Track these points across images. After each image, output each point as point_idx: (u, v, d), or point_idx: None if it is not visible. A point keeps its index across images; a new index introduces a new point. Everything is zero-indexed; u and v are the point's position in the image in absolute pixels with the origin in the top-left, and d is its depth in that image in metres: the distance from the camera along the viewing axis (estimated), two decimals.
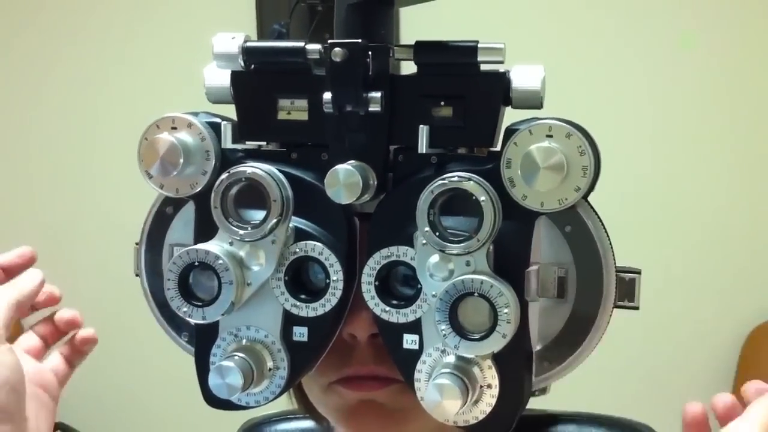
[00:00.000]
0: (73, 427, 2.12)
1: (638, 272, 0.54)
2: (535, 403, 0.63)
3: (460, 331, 0.51)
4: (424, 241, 0.51)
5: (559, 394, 0.62)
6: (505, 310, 0.50)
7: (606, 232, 0.52)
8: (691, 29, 1.73)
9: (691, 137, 1.80)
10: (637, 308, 0.53)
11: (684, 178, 1.81)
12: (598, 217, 0.52)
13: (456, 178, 0.51)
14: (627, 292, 0.53)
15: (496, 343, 0.50)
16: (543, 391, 0.63)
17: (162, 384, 1.92)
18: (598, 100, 1.74)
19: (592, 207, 0.52)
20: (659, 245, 1.79)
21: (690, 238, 1.83)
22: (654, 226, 1.81)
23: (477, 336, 0.50)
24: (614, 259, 0.52)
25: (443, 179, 0.51)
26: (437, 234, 0.51)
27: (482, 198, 0.50)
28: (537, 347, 0.54)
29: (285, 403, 0.74)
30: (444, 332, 0.51)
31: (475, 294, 0.50)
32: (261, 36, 1.85)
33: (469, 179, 0.50)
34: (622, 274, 0.53)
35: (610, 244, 0.52)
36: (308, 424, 0.81)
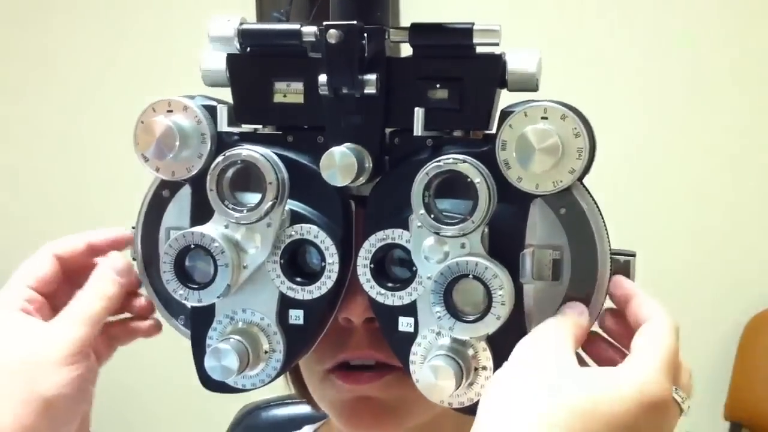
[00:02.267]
0: None
1: (633, 255, 0.54)
2: None
3: (454, 313, 0.51)
4: (419, 224, 0.52)
5: None
6: (500, 292, 0.50)
7: (601, 214, 0.52)
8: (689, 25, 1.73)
9: (696, 122, 1.79)
10: None
11: (683, 164, 1.81)
12: (593, 200, 0.52)
13: (451, 160, 0.51)
14: (622, 273, 0.53)
15: (491, 324, 0.50)
16: None
17: (158, 369, 1.92)
18: (595, 85, 1.74)
19: (587, 189, 0.52)
20: (657, 233, 1.80)
21: (688, 226, 1.83)
22: (652, 214, 1.81)
23: (471, 318, 0.51)
24: (609, 242, 0.52)
25: (438, 161, 0.51)
26: (432, 216, 0.51)
27: (477, 180, 0.50)
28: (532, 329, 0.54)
29: (282, 388, 0.74)
30: (439, 314, 0.51)
31: (470, 276, 0.50)
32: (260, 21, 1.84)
33: (464, 161, 0.50)
34: (616, 257, 0.53)
35: (605, 226, 0.52)
36: (305, 409, 0.81)
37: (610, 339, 0.53)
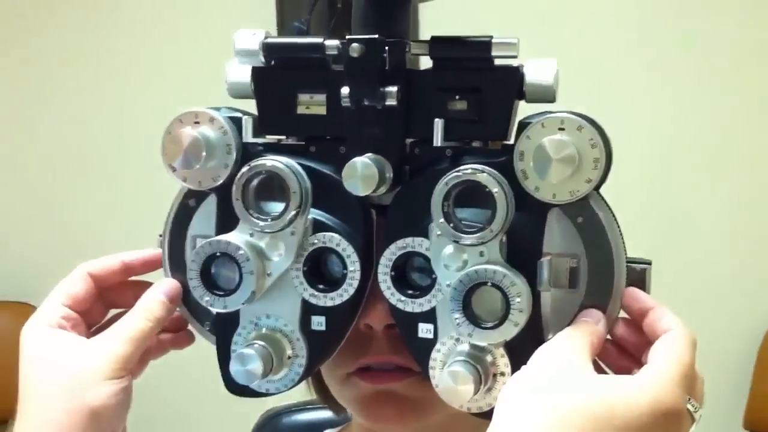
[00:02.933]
0: None
1: (649, 263, 0.55)
2: None
3: (473, 319, 0.52)
4: (439, 232, 0.53)
5: None
6: (518, 300, 0.51)
7: (617, 223, 0.53)
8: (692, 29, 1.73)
9: (718, 126, 1.79)
10: None
11: (701, 174, 1.81)
12: (610, 209, 0.53)
13: (470, 171, 0.52)
14: (637, 282, 0.54)
15: (509, 331, 0.51)
16: None
17: (182, 375, 1.94)
18: (611, 95, 1.74)
19: (603, 199, 0.54)
20: (676, 240, 1.79)
21: (707, 233, 1.82)
22: (671, 221, 1.81)
23: (490, 325, 0.52)
24: (625, 250, 0.53)
25: (457, 171, 0.52)
26: (451, 225, 0.52)
27: (495, 189, 0.51)
28: (549, 336, 0.55)
29: (304, 393, 0.76)
30: (458, 321, 0.52)
31: (489, 284, 0.51)
32: (281, 33, 1.87)
33: (483, 171, 0.52)
34: (632, 265, 0.54)
35: (621, 235, 0.53)
36: (326, 414, 0.82)
37: (623, 348, 0.54)
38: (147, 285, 0.59)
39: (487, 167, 0.52)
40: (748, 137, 1.80)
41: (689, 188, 1.82)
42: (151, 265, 0.61)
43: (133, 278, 0.61)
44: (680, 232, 1.82)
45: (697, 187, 1.82)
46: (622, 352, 0.54)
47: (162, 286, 0.58)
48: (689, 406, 0.48)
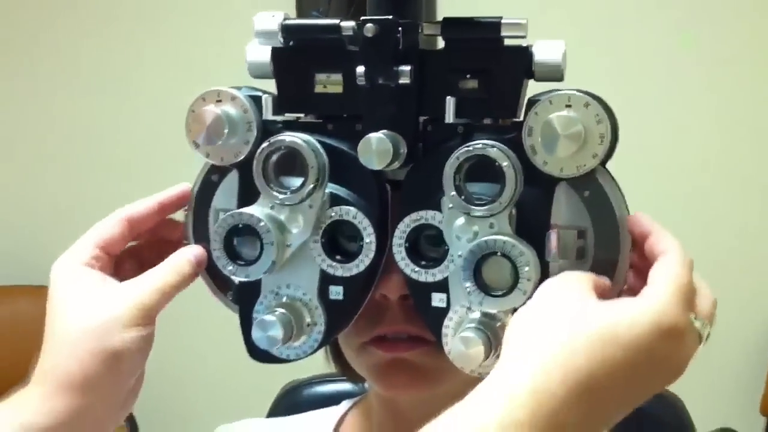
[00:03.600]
0: None
1: None
2: None
3: (483, 288, 0.54)
4: (451, 205, 0.55)
5: None
6: (526, 268, 0.53)
7: (623, 196, 0.55)
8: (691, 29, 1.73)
9: (735, 117, 1.79)
10: None
11: (713, 169, 1.81)
12: (616, 183, 0.55)
13: (480, 146, 0.54)
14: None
15: (517, 299, 0.53)
16: None
17: (207, 350, 1.99)
18: (621, 87, 1.74)
19: (609, 173, 0.55)
20: (692, 228, 1.79)
21: (722, 220, 1.83)
22: (686, 209, 1.82)
23: (499, 293, 0.54)
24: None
25: (468, 146, 0.54)
26: (463, 198, 0.54)
27: (504, 163, 0.53)
28: None
29: (323, 366, 0.78)
30: (469, 289, 0.54)
31: (498, 253, 0.53)
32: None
33: (493, 146, 0.54)
34: None
35: (627, 208, 0.55)
36: (345, 386, 0.85)
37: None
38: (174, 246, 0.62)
39: (497, 143, 0.54)
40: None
41: (703, 175, 1.82)
42: (183, 200, 0.62)
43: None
44: (695, 222, 1.82)
45: (716, 175, 1.82)
46: (634, 272, 0.56)
47: (191, 248, 0.61)
48: (696, 323, 0.49)
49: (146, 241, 0.64)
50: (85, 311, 0.56)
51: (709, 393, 1.76)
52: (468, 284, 0.54)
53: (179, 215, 0.63)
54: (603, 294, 0.52)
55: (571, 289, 0.50)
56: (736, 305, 1.82)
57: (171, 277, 0.58)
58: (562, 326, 0.47)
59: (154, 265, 0.59)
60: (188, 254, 0.60)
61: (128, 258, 0.62)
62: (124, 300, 0.56)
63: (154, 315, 0.57)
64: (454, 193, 0.55)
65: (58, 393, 0.54)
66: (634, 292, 0.51)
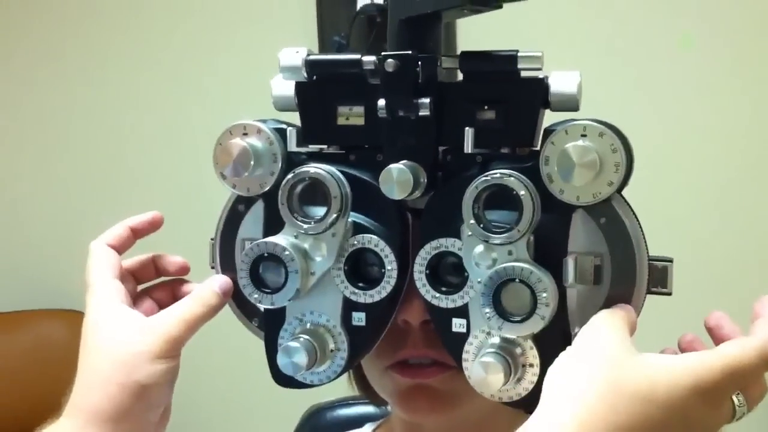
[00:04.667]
0: None
1: (670, 261, 0.57)
2: None
3: (502, 313, 0.55)
4: (470, 233, 0.56)
5: None
6: (544, 295, 0.54)
7: (639, 223, 0.57)
8: (690, 30, 1.73)
9: (748, 123, 1.79)
10: (669, 294, 0.57)
11: (722, 172, 1.80)
12: (632, 210, 0.57)
13: (498, 175, 0.56)
14: (660, 279, 0.57)
15: (536, 324, 0.55)
16: None
17: (233, 374, 2.00)
18: (630, 98, 1.75)
19: (625, 200, 0.57)
20: (707, 236, 1.79)
21: (740, 227, 1.81)
22: (702, 216, 1.80)
23: (518, 318, 0.55)
24: (647, 249, 0.57)
25: (486, 176, 0.56)
26: (481, 226, 0.56)
27: (522, 192, 0.55)
28: (575, 330, 0.58)
29: (346, 389, 0.80)
30: (488, 315, 0.56)
31: (517, 280, 0.55)
32: (322, 47, 1.91)
33: (510, 175, 0.55)
34: (654, 263, 0.57)
35: (643, 234, 0.56)
36: (368, 409, 0.86)
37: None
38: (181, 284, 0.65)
39: (514, 172, 0.56)
40: None
41: (716, 184, 1.81)
42: (154, 225, 0.66)
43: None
44: (712, 227, 1.80)
45: (726, 183, 1.81)
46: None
47: (216, 279, 0.63)
48: (735, 398, 0.50)
49: (157, 284, 0.67)
50: (115, 344, 0.58)
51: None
52: (487, 310, 0.56)
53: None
54: (633, 330, 0.53)
55: (613, 339, 0.51)
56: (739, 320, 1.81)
57: (197, 309, 0.60)
58: (604, 381, 0.47)
59: (169, 305, 0.61)
60: (214, 285, 0.62)
61: (144, 298, 0.65)
62: (152, 333, 0.58)
63: (180, 346, 0.59)
64: (473, 221, 0.56)
65: (89, 425, 0.56)
66: None
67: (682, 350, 0.56)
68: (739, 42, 1.75)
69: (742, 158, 1.79)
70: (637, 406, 0.47)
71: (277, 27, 1.96)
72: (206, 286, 0.62)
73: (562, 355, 0.51)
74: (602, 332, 0.52)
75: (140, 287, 0.67)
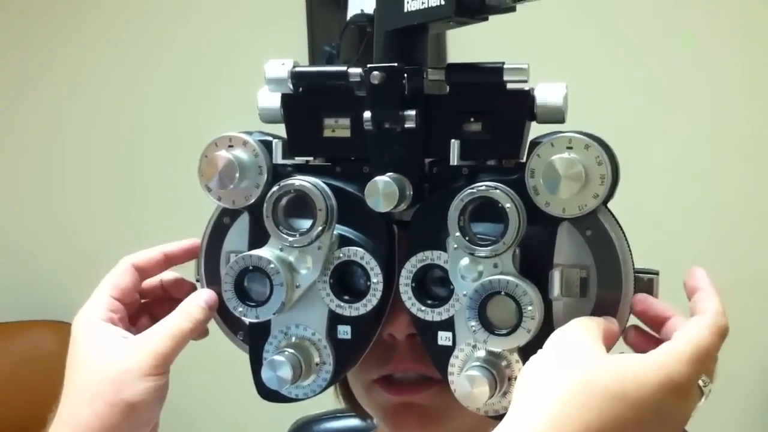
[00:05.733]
0: None
1: (656, 273, 0.57)
2: None
3: (488, 326, 0.55)
4: (456, 246, 0.56)
5: None
6: (529, 308, 0.54)
7: (624, 235, 0.57)
8: (691, 29, 1.74)
9: (727, 139, 1.79)
10: None
11: (719, 181, 1.81)
12: (617, 222, 0.57)
13: (484, 187, 0.55)
14: (646, 291, 0.57)
15: (521, 337, 0.54)
16: None
17: (217, 387, 1.99)
18: (614, 108, 1.75)
19: (611, 212, 0.57)
20: (707, 240, 1.79)
21: (741, 232, 1.81)
22: (685, 220, 1.81)
23: (504, 331, 0.55)
24: (632, 261, 0.56)
25: (472, 188, 0.56)
26: (467, 239, 0.56)
27: (507, 205, 0.55)
28: None
29: (333, 402, 0.79)
30: (474, 328, 0.55)
31: (502, 293, 0.55)
32: (312, 57, 1.91)
33: (496, 188, 0.55)
34: (640, 275, 0.57)
35: (629, 246, 0.56)
36: (354, 422, 0.86)
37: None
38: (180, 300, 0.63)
39: (500, 184, 0.56)
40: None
41: (706, 191, 1.82)
42: (190, 254, 0.65)
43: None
44: (712, 231, 1.80)
45: (715, 189, 1.81)
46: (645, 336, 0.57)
47: (201, 293, 0.63)
48: (700, 382, 0.50)
49: (158, 298, 0.66)
50: (103, 363, 0.58)
51: (718, 418, 1.75)
52: (473, 323, 0.55)
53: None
54: (612, 338, 0.53)
55: (583, 340, 0.51)
56: (753, 327, 1.81)
57: (184, 324, 0.60)
58: (575, 380, 0.47)
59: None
60: (199, 300, 0.62)
61: (143, 313, 0.65)
62: (139, 351, 0.58)
63: (169, 363, 0.58)
64: (458, 234, 0.56)
65: None
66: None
67: (631, 345, 0.56)
68: (738, 42, 1.76)
69: (734, 166, 1.80)
70: (609, 404, 0.46)
71: (267, 37, 1.96)
72: (192, 301, 0.62)
73: (533, 357, 0.51)
74: (572, 334, 0.52)
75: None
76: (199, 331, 0.61)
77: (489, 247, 0.55)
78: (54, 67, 2.17)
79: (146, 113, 2.11)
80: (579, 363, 0.49)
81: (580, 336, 0.51)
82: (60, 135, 2.19)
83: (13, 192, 2.25)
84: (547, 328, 0.56)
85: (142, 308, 0.65)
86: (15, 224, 2.26)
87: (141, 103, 2.11)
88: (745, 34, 1.75)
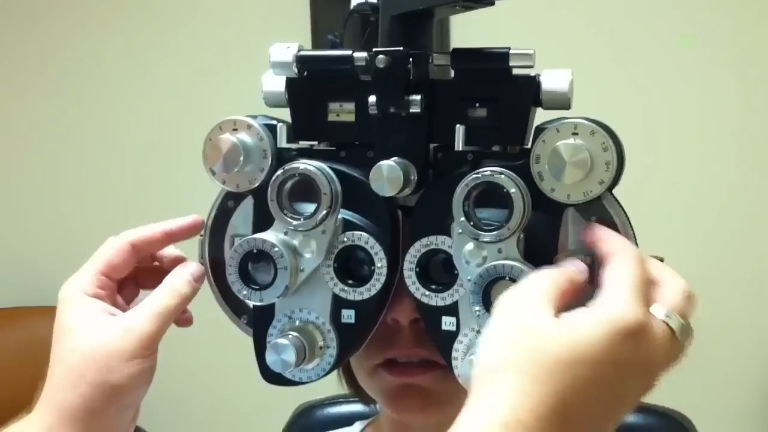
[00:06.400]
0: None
1: (661, 259, 0.57)
2: None
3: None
4: (460, 231, 0.56)
5: None
6: None
7: (629, 221, 0.56)
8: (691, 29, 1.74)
9: (735, 130, 1.79)
10: None
11: (717, 171, 1.80)
12: (622, 209, 0.56)
13: (488, 173, 0.55)
14: None
15: None
16: None
17: (221, 373, 2.00)
18: (620, 99, 1.75)
19: (616, 199, 0.57)
20: (708, 239, 1.79)
21: (738, 231, 1.81)
22: (689, 221, 1.81)
23: None
24: (636, 247, 0.56)
25: (477, 173, 0.55)
26: (472, 224, 0.56)
27: (512, 190, 0.55)
28: None
29: (336, 388, 0.80)
30: (478, 313, 0.55)
31: (506, 278, 0.55)
32: (316, 46, 1.91)
33: (501, 173, 0.55)
34: None
35: (633, 233, 0.56)
36: (357, 407, 0.86)
37: None
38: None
39: (505, 170, 0.56)
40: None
41: (709, 185, 1.82)
42: (192, 230, 0.63)
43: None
44: (699, 227, 1.81)
45: (717, 184, 1.81)
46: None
47: (188, 267, 0.61)
48: (659, 316, 0.48)
49: (147, 268, 0.64)
50: (89, 344, 0.56)
51: (720, 412, 1.75)
52: (477, 308, 0.55)
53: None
54: (573, 291, 0.50)
55: (528, 306, 0.48)
56: (752, 321, 1.81)
57: (170, 301, 0.59)
58: (523, 353, 0.45)
59: (152, 289, 0.59)
60: (185, 274, 0.61)
61: (130, 281, 0.63)
62: (126, 332, 0.57)
63: (156, 343, 0.57)
64: (463, 219, 0.56)
65: (60, 424, 0.55)
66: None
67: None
68: (739, 42, 1.76)
69: (737, 157, 1.80)
70: (564, 374, 0.44)
71: (270, 26, 1.95)
72: (178, 276, 0.60)
73: (485, 331, 0.48)
74: (521, 299, 0.48)
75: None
76: (185, 306, 0.60)
77: (493, 233, 0.55)
78: (45, 57, 2.16)
79: (149, 103, 2.11)
80: (526, 338, 0.46)
81: (528, 300, 0.48)
82: (57, 119, 2.19)
83: (5, 177, 2.25)
84: None
85: (130, 275, 0.63)
86: (9, 209, 2.26)
87: (144, 92, 2.11)
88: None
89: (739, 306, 1.81)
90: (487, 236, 0.55)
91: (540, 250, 0.56)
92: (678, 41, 1.76)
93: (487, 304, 0.55)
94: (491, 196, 0.56)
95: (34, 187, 2.24)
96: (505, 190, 0.55)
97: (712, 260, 1.79)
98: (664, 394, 0.87)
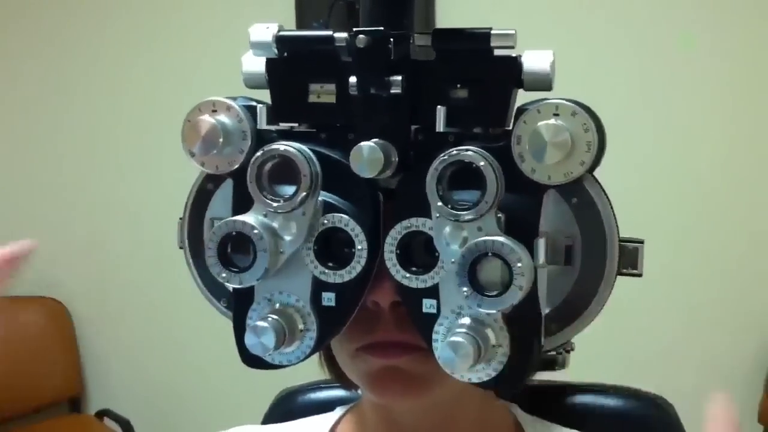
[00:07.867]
0: (120, 414, 2.21)
1: (641, 242, 0.57)
2: (554, 376, 0.67)
3: (480, 290, 0.54)
4: (438, 215, 0.56)
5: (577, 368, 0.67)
6: (518, 264, 0.53)
7: (610, 204, 0.56)
8: (690, 29, 1.75)
9: (727, 125, 1.80)
10: (640, 275, 0.57)
11: (703, 157, 1.81)
12: (603, 190, 0.56)
13: (455, 152, 0.55)
14: (630, 260, 0.57)
15: (514, 295, 0.53)
16: (562, 365, 0.67)
17: (203, 363, 1.99)
18: (604, 86, 1.76)
19: (597, 181, 0.56)
20: (699, 238, 1.80)
21: (729, 231, 1.83)
22: (680, 218, 1.82)
23: (496, 293, 0.54)
24: (618, 229, 0.56)
25: (444, 155, 0.55)
26: (449, 206, 0.55)
27: (481, 164, 0.54)
28: (546, 310, 0.58)
29: (317, 373, 0.79)
30: (466, 293, 0.54)
31: (489, 254, 0.54)
32: None
33: (467, 150, 0.55)
34: (625, 244, 0.57)
35: (614, 215, 0.56)
36: (339, 392, 0.86)
37: None
38: None
39: (472, 146, 0.55)
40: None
41: (698, 178, 1.83)
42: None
43: None
44: (696, 223, 1.82)
45: (706, 178, 1.82)
46: None
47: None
48: None
49: None
50: None
51: (705, 400, 1.76)
52: (465, 288, 0.55)
53: None
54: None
55: None
56: (735, 314, 1.83)
57: None
58: None
59: None
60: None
61: None
62: None
63: None
64: (440, 203, 0.55)
65: None
66: None
67: None
68: (738, 42, 1.76)
69: (724, 150, 1.81)
70: None
71: (254, 12, 1.94)
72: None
73: None
74: None
75: None
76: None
77: (472, 210, 0.55)
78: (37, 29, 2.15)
79: (132, 84, 2.09)
80: None
81: None
82: (44, 107, 2.18)
83: None
84: (531, 295, 0.56)
85: None
86: (1, 200, 2.25)
87: (126, 73, 2.10)
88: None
89: (731, 301, 1.82)
90: (465, 215, 0.55)
91: (521, 232, 0.56)
92: (671, 27, 1.76)
93: (474, 283, 0.55)
94: (468, 176, 0.55)
95: (26, 176, 2.23)
96: (474, 165, 0.54)
97: (695, 233, 1.79)
98: (648, 382, 0.88)
